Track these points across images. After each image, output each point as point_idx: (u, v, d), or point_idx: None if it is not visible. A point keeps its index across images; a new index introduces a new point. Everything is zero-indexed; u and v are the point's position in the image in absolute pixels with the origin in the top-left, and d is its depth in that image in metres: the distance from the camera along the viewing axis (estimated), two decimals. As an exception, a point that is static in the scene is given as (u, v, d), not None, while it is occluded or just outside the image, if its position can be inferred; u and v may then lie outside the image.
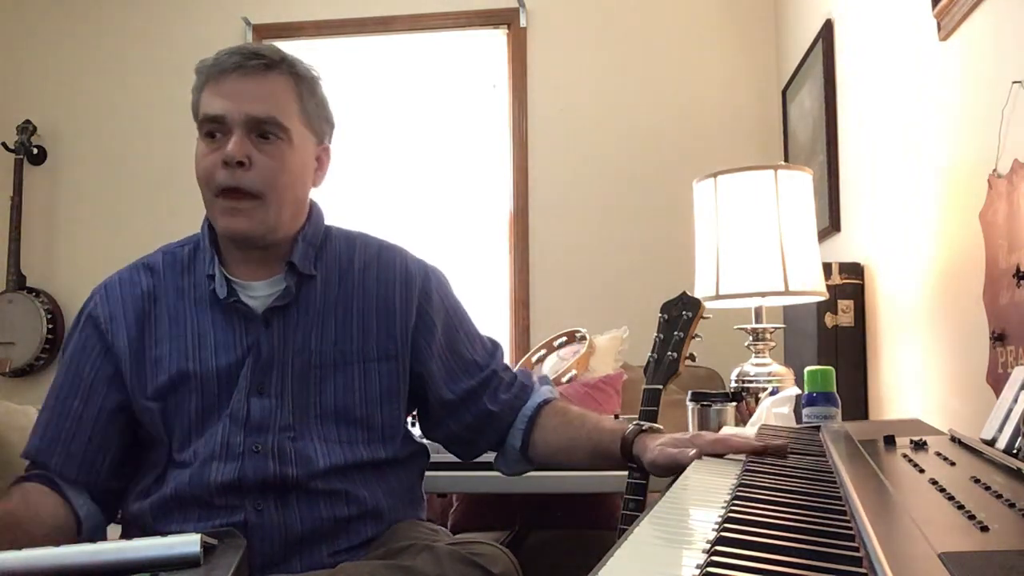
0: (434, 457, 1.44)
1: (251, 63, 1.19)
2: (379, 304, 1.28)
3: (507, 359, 1.48)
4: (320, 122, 1.26)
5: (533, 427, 1.34)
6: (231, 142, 1.16)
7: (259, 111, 1.17)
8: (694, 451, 1.01)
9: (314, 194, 1.34)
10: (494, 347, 1.40)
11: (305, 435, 1.21)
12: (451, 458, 1.55)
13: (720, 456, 1.01)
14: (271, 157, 1.18)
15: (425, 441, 1.41)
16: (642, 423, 1.24)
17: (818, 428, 1.22)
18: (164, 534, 1.13)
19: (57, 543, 1.00)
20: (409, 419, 1.39)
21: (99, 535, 1.25)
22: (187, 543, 0.95)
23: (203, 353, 1.21)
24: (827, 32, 2.48)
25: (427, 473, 1.40)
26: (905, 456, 0.80)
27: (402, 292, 1.30)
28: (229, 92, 1.18)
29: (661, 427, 1.25)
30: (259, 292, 1.25)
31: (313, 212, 1.31)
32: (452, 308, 1.36)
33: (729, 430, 1.39)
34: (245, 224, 1.19)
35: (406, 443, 1.32)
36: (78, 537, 1.21)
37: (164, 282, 1.26)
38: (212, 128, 1.19)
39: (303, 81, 1.23)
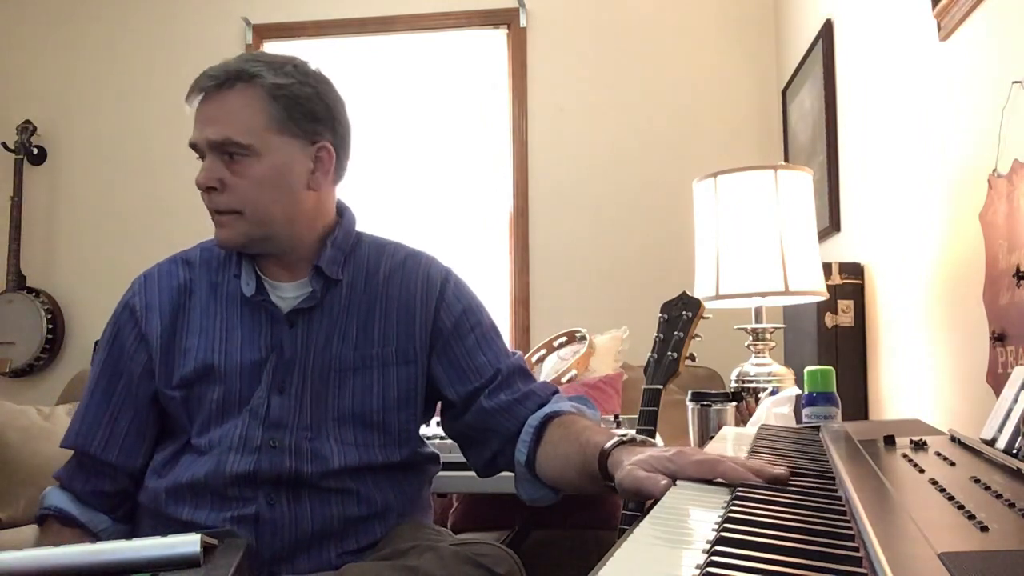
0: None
1: (208, 84, 1.20)
2: (400, 309, 1.29)
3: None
4: (303, 122, 1.22)
5: (540, 441, 1.22)
6: (202, 168, 1.21)
7: (214, 134, 1.18)
8: (665, 481, 0.81)
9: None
10: (512, 354, 1.34)
11: (322, 435, 1.23)
12: (452, 458, 1.55)
13: (705, 482, 0.81)
14: (239, 176, 1.19)
15: (435, 445, 1.40)
16: (625, 434, 1.04)
17: (818, 428, 1.22)
18: (165, 533, 1.14)
19: None
20: (424, 427, 1.38)
21: None
22: (187, 543, 0.95)
23: (229, 347, 1.24)
24: (827, 32, 2.48)
25: (427, 473, 1.39)
26: (905, 456, 0.80)
27: (422, 298, 1.30)
28: (197, 118, 1.21)
29: (650, 440, 1.05)
30: (287, 293, 1.27)
31: (344, 217, 1.32)
32: (467, 309, 1.33)
33: (729, 431, 1.38)
34: (228, 235, 1.22)
35: (419, 448, 1.33)
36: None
37: (199, 277, 1.30)
38: (198, 153, 1.23)
39: (271, 87, 1.19)
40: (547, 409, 1.25)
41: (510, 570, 1.11)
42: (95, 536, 1.27)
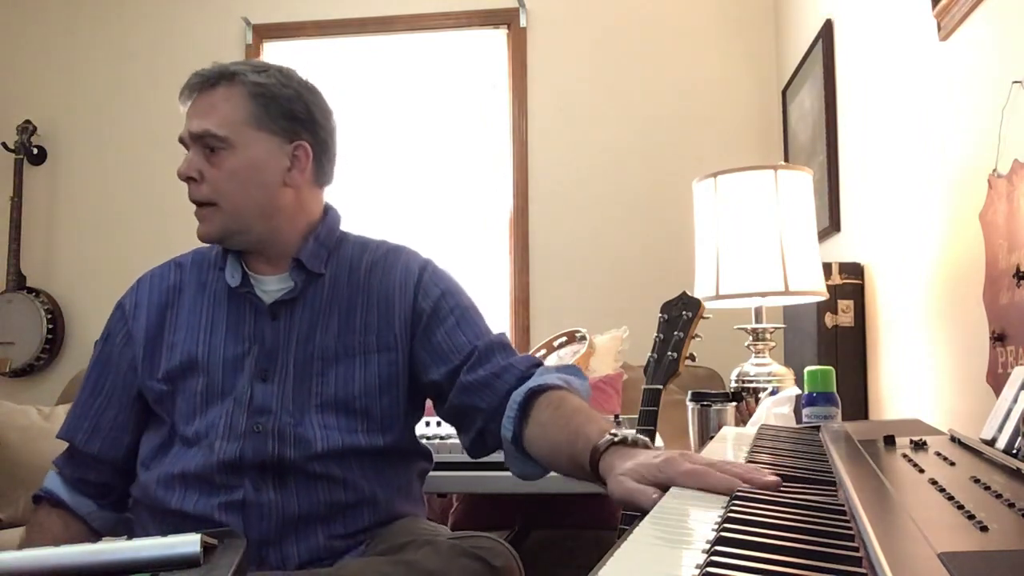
0: (435, 457, 1.44)
1: (195, 82, 1.27)
2: (381, 300, 1.32)
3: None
4: (280, 121, 1.27)
5: (525, 418, 1.19)
6: (184, 159, 1.27)
7: (195, 127, 1.25)
8: (656, 494, 0.78)
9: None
10: (492, 333, 1.33)
11: (305, 421, 1.25)
12: (451, 458, 1.56)
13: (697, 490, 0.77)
14: (216, 168, 1.25)
15: (433, 446, 1.40)
16: (616, 433, 0.99)
17: (818, 428, 1.22)
18: (162, 528, 1.18)
19: None
20: (424, 426, 1.39)
21: (119, 530, 1.35)
22: (187, 543, 0.95)
23: (212, 340, 1.29)
24: (827, 32, 2.48)
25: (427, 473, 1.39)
26: (905, 456, 0.80)
27: (402, 286, 1.33)
28: (186, 116, 1.28)
29: (643, 439, 0.98)
30: (270, 286, 1.31)
31: (328, 215, 1.37)
32: (445, 292, 1.34)
33: (729, 431, 1.38)
34: (206, 228, 1.28)
35: (407, 438, 1.34)
36: (94, 539, 1.26)
37: (189, 277, 1.36)
38: (186, 148, 1.29)
39: (251, 85, 1.26)
40: (531, 383, 1.21)
41: (507, 563, 1.13)
42: (81, 519, 1.34)
